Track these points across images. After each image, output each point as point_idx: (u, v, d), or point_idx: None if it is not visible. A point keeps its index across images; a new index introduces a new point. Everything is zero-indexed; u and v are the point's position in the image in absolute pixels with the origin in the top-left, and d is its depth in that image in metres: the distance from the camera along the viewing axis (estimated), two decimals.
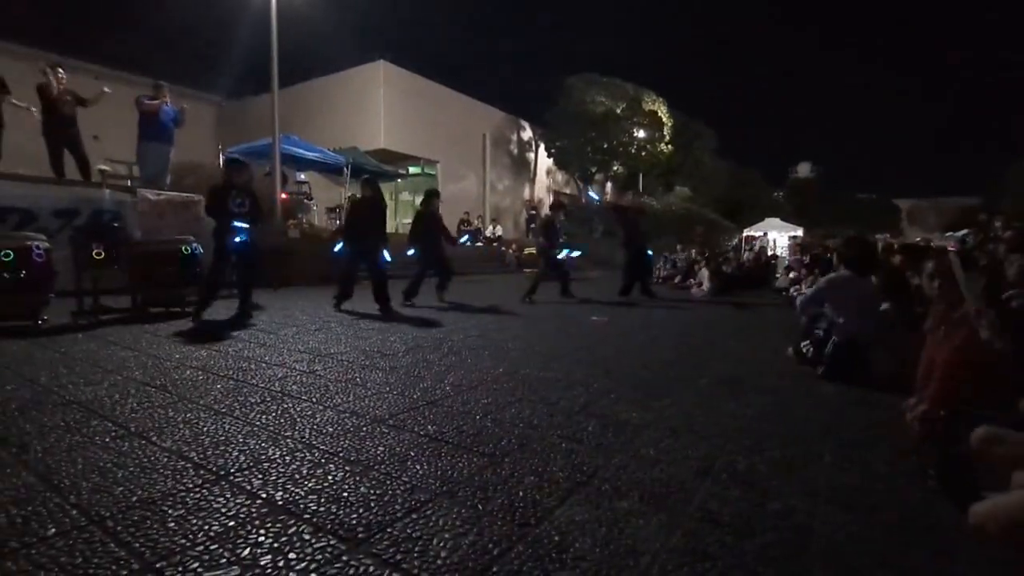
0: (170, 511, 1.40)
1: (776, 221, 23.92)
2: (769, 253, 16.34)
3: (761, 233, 22.64)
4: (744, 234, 23.52)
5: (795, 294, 8.26)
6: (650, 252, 8.22)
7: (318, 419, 2.20)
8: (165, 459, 1.75)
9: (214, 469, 1.68)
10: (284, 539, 1.29)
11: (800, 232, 22.43)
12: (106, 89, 8.01)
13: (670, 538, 1.34)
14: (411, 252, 6.83)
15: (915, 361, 2.42)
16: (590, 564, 1.22)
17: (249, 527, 1.34)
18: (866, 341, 3.16)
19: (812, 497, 1.59)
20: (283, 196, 11.19)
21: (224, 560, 1.19)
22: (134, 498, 1.47)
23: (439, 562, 1.21)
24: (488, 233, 18.85)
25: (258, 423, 2.14)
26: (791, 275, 9.80)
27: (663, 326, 5.38)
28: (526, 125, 25.78)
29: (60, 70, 7.55)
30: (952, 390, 2.00)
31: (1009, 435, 1.47)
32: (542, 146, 25.55)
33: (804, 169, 47.94)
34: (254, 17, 10.84)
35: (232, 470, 1.68)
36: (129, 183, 8.64)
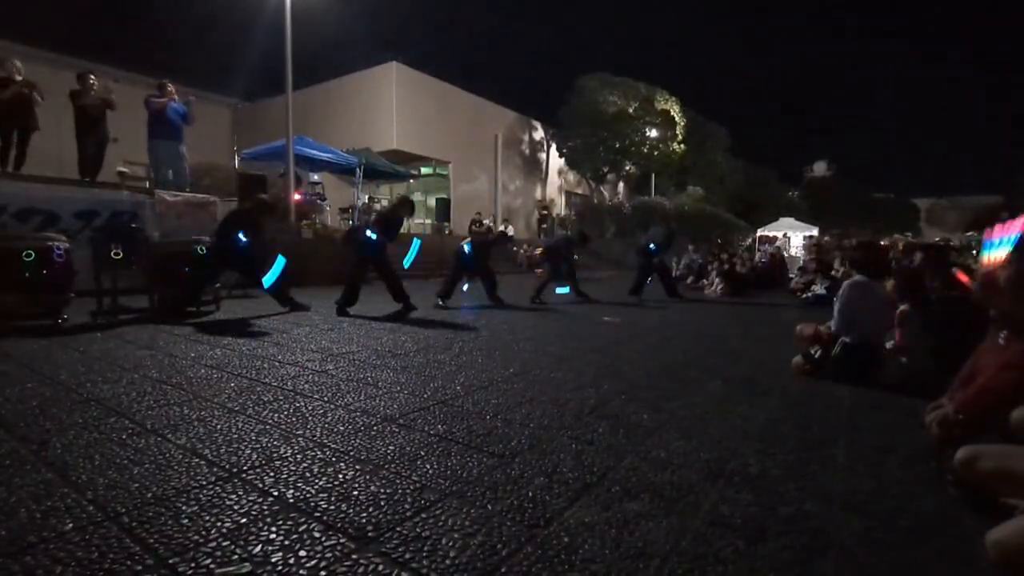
0: (184, 508, 1.42)
1: (791, 221, 23.59)
2: (783, 253, 16.12)
3: (774, 233, 22.35)
4: (758, 234, 23.24)
5: (810, 296, 8.16)
6: (653, 246, 8.22)
7: (329, 418, 2.22)
8: (180, 456, 1.77)
9: (227, 466, 1.70)
10: (295, 537, 1.30)
11: (815, 232, 22.10)
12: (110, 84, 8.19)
13: (681, 541, 1.33)
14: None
15: (951, 366, 2.29)
16: (599, 566, 1.21)
17: (261, 524, 1.35)
18: (876, 344, 3.13)
19: (826, 502, 1.56)
20: (296, 197, 11.31)
21: (236, 557, 1.21)
22: (149, 494, 1.49)
23: (448, 562, 1.21)
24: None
25: (270, 421, 2.16)
26: (805, 276, 9.67)
27: (675, 327, 5.34)
28: (538, 125, 25.77)
29: (92, 77, 7.75)
30: (989, 401, 1.86)
31: (989, 450, 1.43)
32: (554, 146, 25.51)
33: (820, 168, 47.32)
34: (269, 20, 10.99)
35: (245, 468, 1.69)
36: (147, 184, 8.80)
